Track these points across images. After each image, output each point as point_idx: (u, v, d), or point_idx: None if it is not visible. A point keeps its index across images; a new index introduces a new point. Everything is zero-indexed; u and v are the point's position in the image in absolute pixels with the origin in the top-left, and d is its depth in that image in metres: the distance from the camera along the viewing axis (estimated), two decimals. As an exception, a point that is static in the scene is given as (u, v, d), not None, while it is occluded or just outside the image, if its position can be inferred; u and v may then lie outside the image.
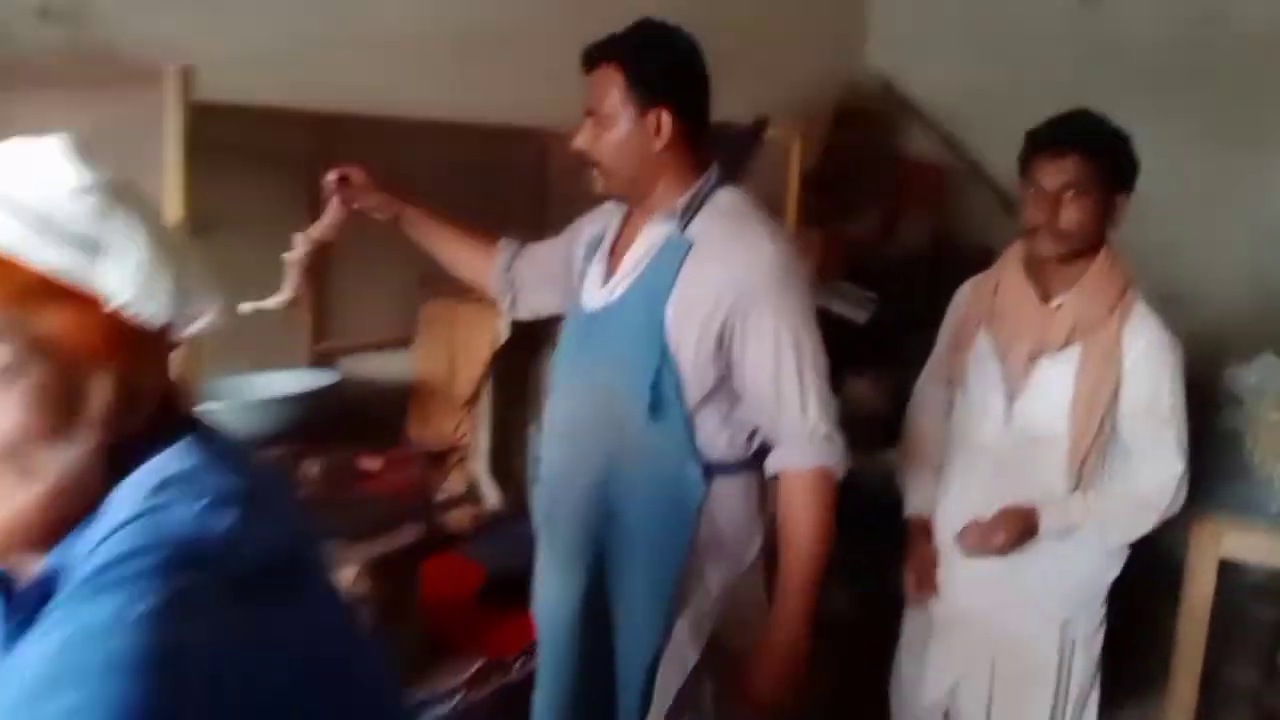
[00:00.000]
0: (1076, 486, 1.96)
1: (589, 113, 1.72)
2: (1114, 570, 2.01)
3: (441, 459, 2.58)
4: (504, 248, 2.07)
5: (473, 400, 2.58)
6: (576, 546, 1.82)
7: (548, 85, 2.92)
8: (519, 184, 2.96)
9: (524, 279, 2.06)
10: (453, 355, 2.59)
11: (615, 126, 1.69)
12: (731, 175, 2.56)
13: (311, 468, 2.33)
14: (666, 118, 1.70)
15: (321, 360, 2.56)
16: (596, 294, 1.81)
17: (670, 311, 1.68)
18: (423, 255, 2.11)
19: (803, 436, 1.68)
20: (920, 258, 3.89)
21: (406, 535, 1.81)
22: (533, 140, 2.95)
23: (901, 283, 3.78)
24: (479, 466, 2.62)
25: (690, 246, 1.69)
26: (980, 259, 3.88)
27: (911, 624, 2.24)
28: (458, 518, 2.49)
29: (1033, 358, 1.98)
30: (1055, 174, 1.93)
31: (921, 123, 4.16)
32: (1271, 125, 3.51)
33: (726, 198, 1.76)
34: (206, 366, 2.36)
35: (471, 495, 2.56)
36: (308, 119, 2.42)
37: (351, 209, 1.96)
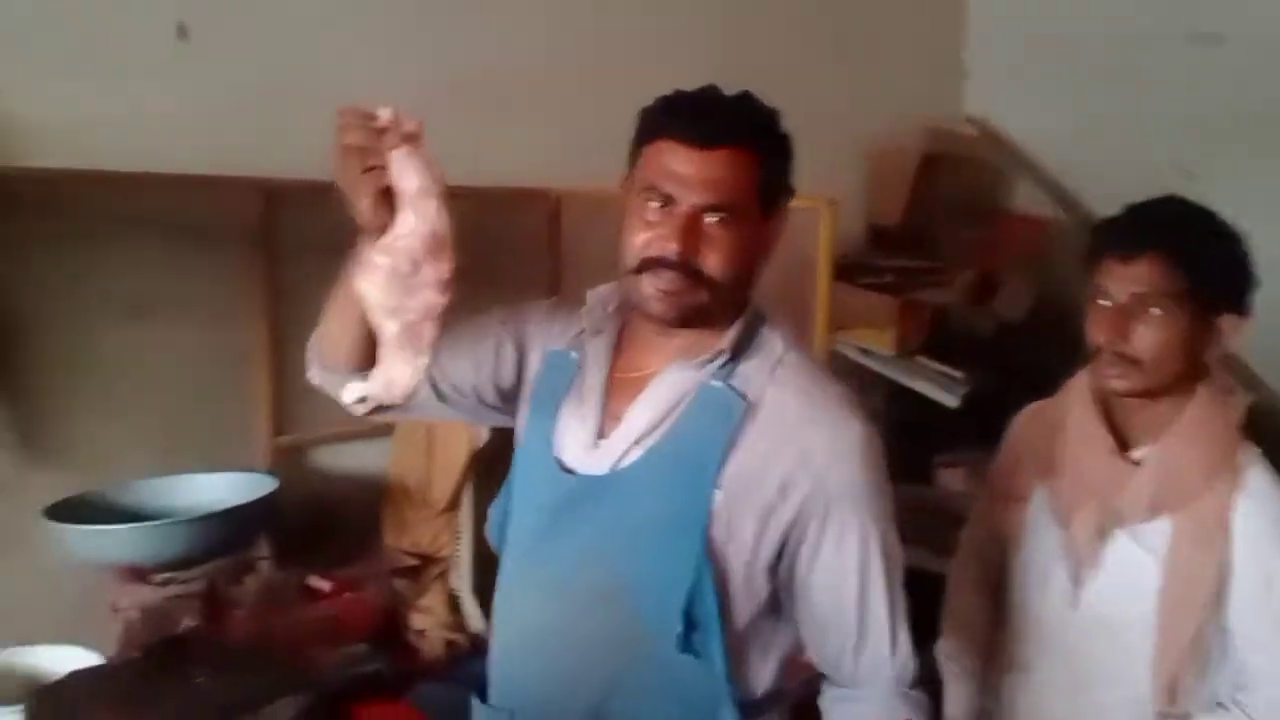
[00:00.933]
0: (1168, 714, 1.45)
1: (663, 195, 1.21)
2: None
3: (419, 573, 2.23)
4: None
5: (451, 507, 2.22)
6: None
7: (558, 142, 2.62)
8: (529, 248, 2.61)
9: (431, 374, 1.37)
10: (431, 455, 2.24)
11: (740, 225, 1.21)
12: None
13: (247, 589, 2.00)
14: (780, 227, 1.29)
15: (284, 455, 2.24)
16: (586, 452, 1.29)
17: (720, 498, 1.21)
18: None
19: (889, 680, 1.26)
20: (1020, 326, 3.38)
21: (281, 710, 1.44)
22: (543, 201, 2.61)
23: (999, 355, 3.29)
24: (462, 583, 2.25)
25: (748, 408, 1.23)
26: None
27: None
28: (431, 644, 2.13)
29: (1104, 530, 1.48)
30: (1125, 281, 1.43)
31: (1025, 171, 3.65)
32: None
33: (781, 343, 1.29)
34: (149, 465, 2.08)
35: (450, 617, 2.20)
36: (257, 186, 2.12)
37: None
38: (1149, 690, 1.46)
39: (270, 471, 2.14)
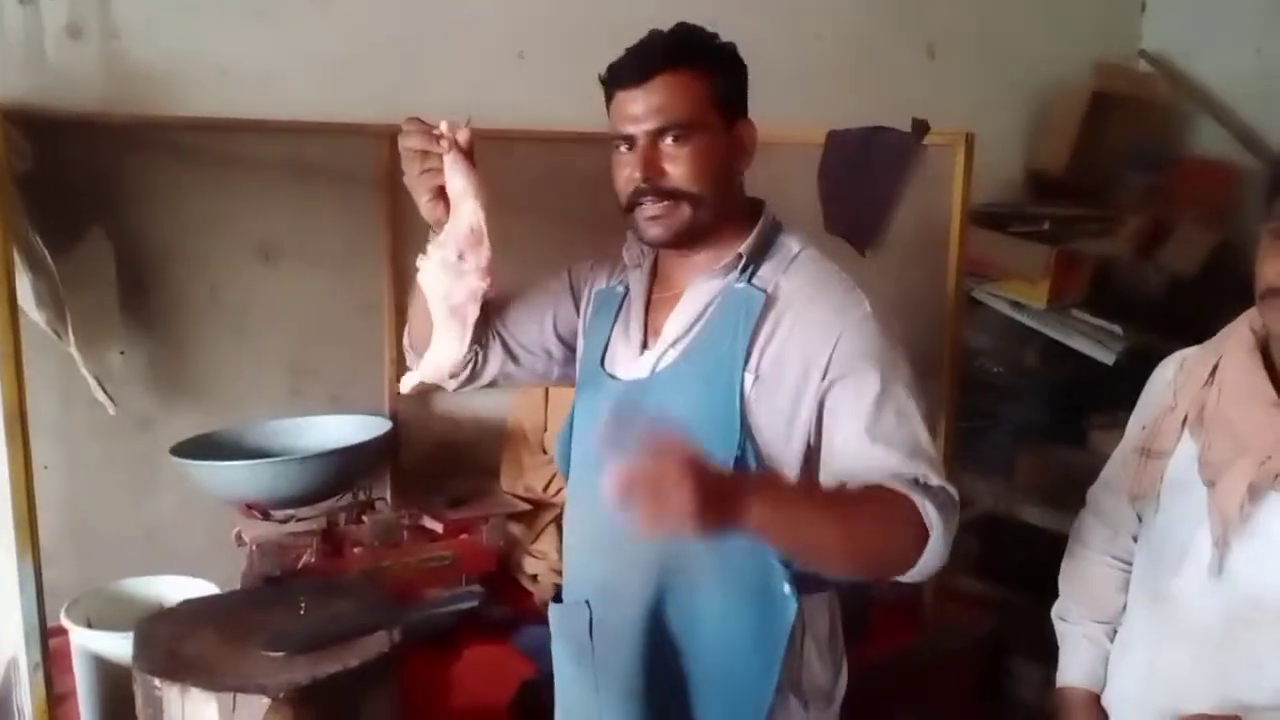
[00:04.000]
0: None
1: (622, 137, 1.36)
2: None
3: (533, 517, 2.26)
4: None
5: (564, 454, 2.23)
6: (630, 685, 1.44)
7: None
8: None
9: (503, 338, 1.58)
10: (548, 400, 2.25)
11: (700, 137, 1.34)
12: (890, 188, 2.09)
13: (365, 528, 2.07)
14: (752, 131, 1.42)
15: (407, 399, 2.28)
16: (632, 363, 1.46)
17: (749, 380, 1.34)
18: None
19: (906, 482, 1.25)
20: (1193, 280, 3.13)
21: (376, 642, 1.48)
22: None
23: (1167, 311, 3.06)
24: (573, 529, 2.27)
25: (767, 299, 1.36)
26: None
27: None
28: (543, 588, 2.16)
29: (1258, 490, 1.33)
30: None
31: (1206, 111, 3.36)
32: None
33: (796, 244, 1.43)
34: (278, 406, 2.16)
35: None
36: (384, 134, 2.14)
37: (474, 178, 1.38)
38: None
39: (387, 414, 2.19)
